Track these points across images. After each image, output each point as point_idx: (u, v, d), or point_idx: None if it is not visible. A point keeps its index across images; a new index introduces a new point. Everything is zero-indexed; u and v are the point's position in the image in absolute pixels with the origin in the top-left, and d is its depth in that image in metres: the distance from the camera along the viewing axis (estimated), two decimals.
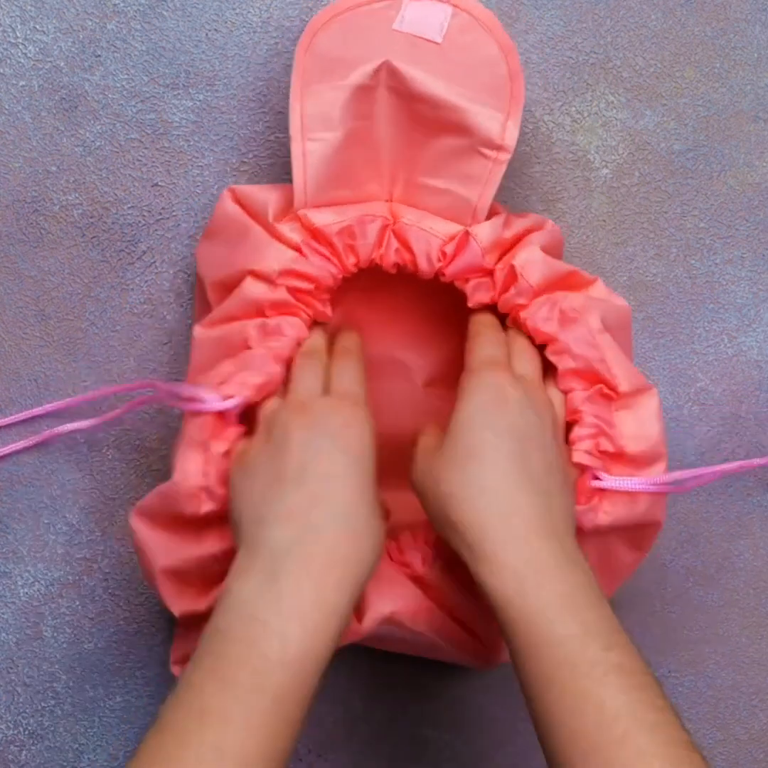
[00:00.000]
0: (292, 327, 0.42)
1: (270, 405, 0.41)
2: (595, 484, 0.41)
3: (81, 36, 0.46)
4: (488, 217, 0.43)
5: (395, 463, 0.48)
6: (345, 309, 0.48)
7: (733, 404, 0.49)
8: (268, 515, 0.37)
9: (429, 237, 0.42)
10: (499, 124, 0.41)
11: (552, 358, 0.42)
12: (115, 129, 0.46)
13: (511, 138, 0.41)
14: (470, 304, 0.43)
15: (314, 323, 0.44)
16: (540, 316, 0.42)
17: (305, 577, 0.35)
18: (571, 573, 0.36)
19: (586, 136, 0.48)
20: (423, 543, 0.43)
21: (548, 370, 0.43)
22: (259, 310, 0.42)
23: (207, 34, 0.46)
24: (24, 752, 0.49)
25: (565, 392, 0.42)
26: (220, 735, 0.33)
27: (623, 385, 0.42)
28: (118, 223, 0.47)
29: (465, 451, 0.38)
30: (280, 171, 0.47)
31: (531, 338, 0.43)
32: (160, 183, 0.47)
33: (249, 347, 0.41)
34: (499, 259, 0.43)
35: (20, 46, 0.45)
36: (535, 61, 0.47)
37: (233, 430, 0.41)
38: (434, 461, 0.40)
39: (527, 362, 0.43)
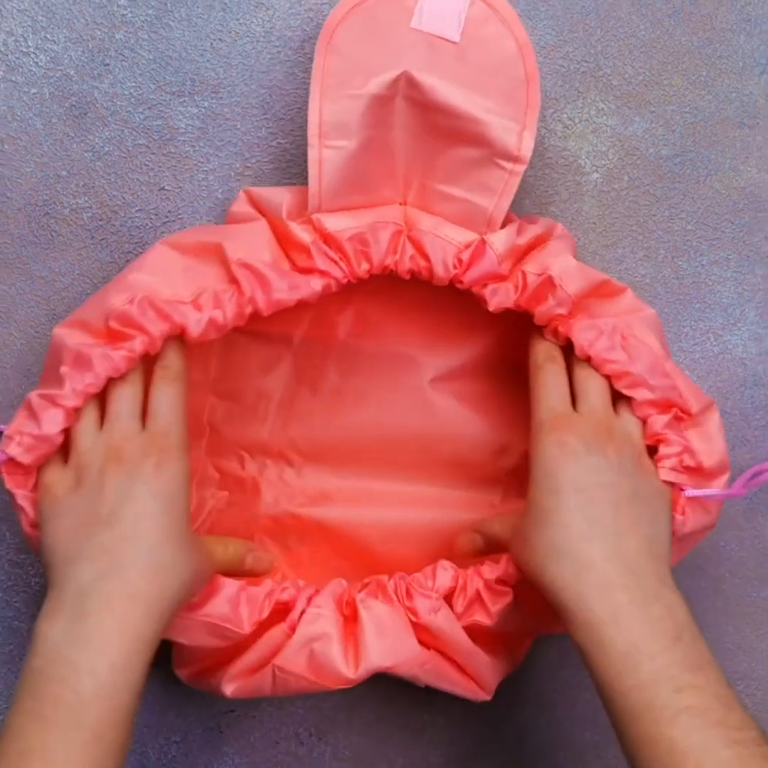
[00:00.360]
0: (104, 361, 0.40)
1: (82, 439, 0.41)
2: (690, 494, 0.43)
3: (90, 45, 0.47)
4: (501, 225, 0.43)
5: (396, 456, 0.50)
6: (356, 305, 0.49)
7: (719, 400, 0.50)
8: (78, 555, 0.38)
9: (445, 244, 0.42)
10: (515, 136, 0.42)
11: (626, 391, 0.43)
12: (123, 135, 0.48)
13: (527, 149, 0.42)
14: (491, 308, 0.44)
15: (171, 338, 0.42)
16: (602, 346, 0.43)
17: (109, 613, 0.36)
18: (647, 615, 0.38)
19: (577, 141, 0.49)
20: (432, 589, 0.44)
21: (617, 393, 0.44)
22: (106, 319, 0.41)
23: (212, 44, 0.47)
24: None
25: (643, 419, 0.43)
26: None
27: (694, 407, 0.43)
28: (126, 225, 0.48)
29: (541, 515, 0.41)
30: (282, 175, 0.48)
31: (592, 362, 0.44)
32: (166, 187, 0.48)
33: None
34: (514, 265, 0.44)
35: (32, 55, 0.47)
36: None
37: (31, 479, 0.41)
38: (520, 520, 0.42)
39: (598, 397, 0.44)
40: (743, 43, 0.49)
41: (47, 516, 0.40)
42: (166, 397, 0.42)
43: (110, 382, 0.41)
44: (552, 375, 0.44)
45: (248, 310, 0.42)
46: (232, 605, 0.42)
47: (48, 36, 0.47)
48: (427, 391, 0.50)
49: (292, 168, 0.48)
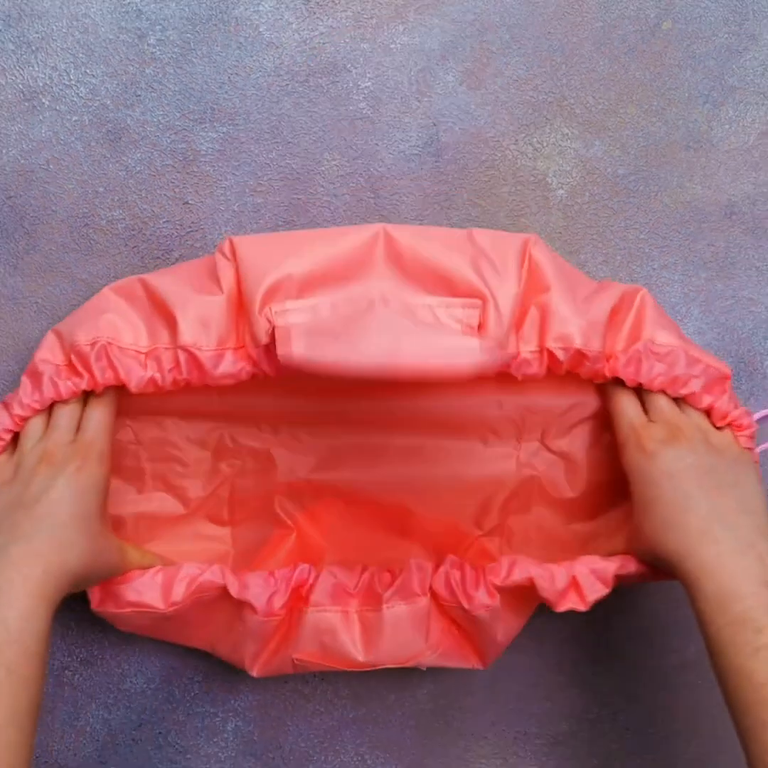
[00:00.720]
0: (51, 386, 0.47)
1: (25, 441, 0.49)
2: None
3: (124, 79, 0.54)
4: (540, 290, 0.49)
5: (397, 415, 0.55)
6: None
7: None
8: None
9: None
10: None
11: (681, 393, 0.49)
12: (153, 156, 0.54)
13: None
14: (520, 379, 0.49)
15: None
16: (644, 371, 0.49)
17: (15, 572, 0.43)
18: (738, 563, 0.44)
19: (545, 162, 0.56)
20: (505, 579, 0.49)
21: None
22: (69, 349, 0.47)
23: (229, 78, 0.54)
24: (77, 676, 0.58)
25: (706, 409, 0.50)
26: None
27: (725, 369, 0.50)
28: (155, 235, 0.55)
29: (646, 505, 0.48)
30: (289, 191, 0.54)
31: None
32: (189, 201, 0.55)
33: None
34: (607, 338, 0.49)
35: (73, 88, 0.54)
36: (503, 100, 0.55)
37: None
38: (631, 524, 0.50)
39: (662, 404, 0.51)
40: (688, 77, 0.55)
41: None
42: (96, 415, 0.49)
43: (64, 401, 0.49)
44: (623, 396, 0.52)
45: (182, 383, 0.48)
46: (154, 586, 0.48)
47: (87, 71, 0.53)
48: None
49: (298, 185, 0.55)
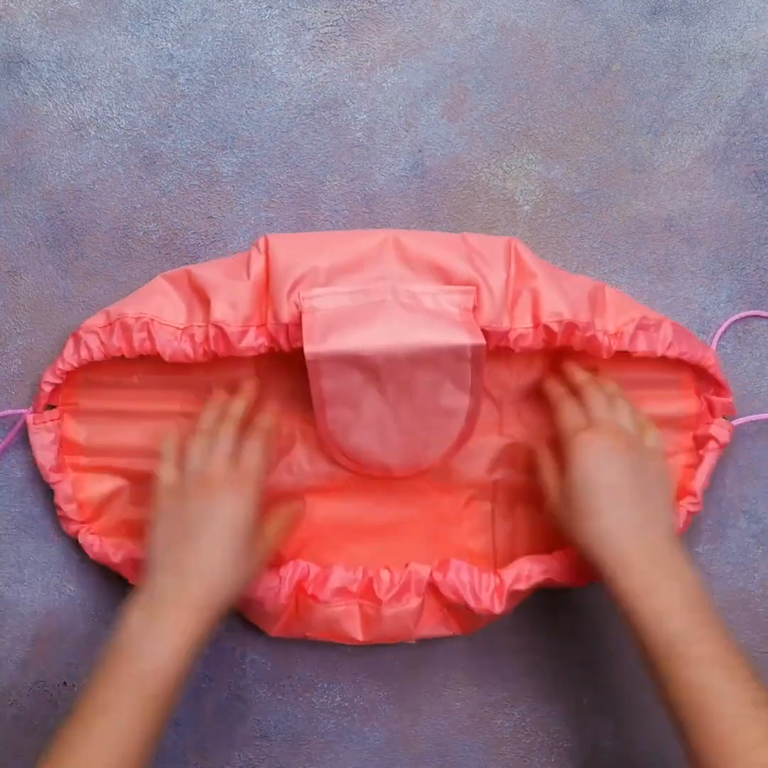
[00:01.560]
0: (82, 349, 0.57)
1: (190, 460, 0.55)
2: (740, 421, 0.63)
3: (157, 112, 0.63)
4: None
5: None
6: None
7: None
8: (162, 564, 0.52)
9: None
10: None
11: (669, 354, 0.58)
12: (182, 178, 0.63)
13: None
14: (517, 351, 0.57)
15: (264, 405, 0.59)
16: (658, 340, 0.59)
17: (174, 616, 0.50)
18: (668, 587, 0.50)
19: (513, 182, 0.64)
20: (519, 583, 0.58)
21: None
22: (116, 318, 0.57)
23: (246, 111, 0.63)
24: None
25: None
26: (108, 722, 0.48)
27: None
28: (184, 244, 0.63)
29: (583, 511, 0.53)
30: (298, 208, 0.63)
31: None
32: (213, 216, 0.63)
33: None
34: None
35: (115, 120, 0.63)
36: (478, 130, 0.63)
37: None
38: (565, 513, 0.55)
39: (625, 413, 0.57)
40: (634, 110, 0.64)
41: (157, 514, 0.54)
42: (255, 448, 0.56)
43: (222, 422, 0.57)
44: (569, 404, 0.58)
45: (211, 355, 0.56)
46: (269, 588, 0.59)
47: (127, 106, 0.63)
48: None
49: (305, 202, 0.64)
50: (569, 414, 0.58)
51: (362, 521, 0.64)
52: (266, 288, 0.56)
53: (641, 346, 0.59)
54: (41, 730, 0.65)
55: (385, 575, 0.60)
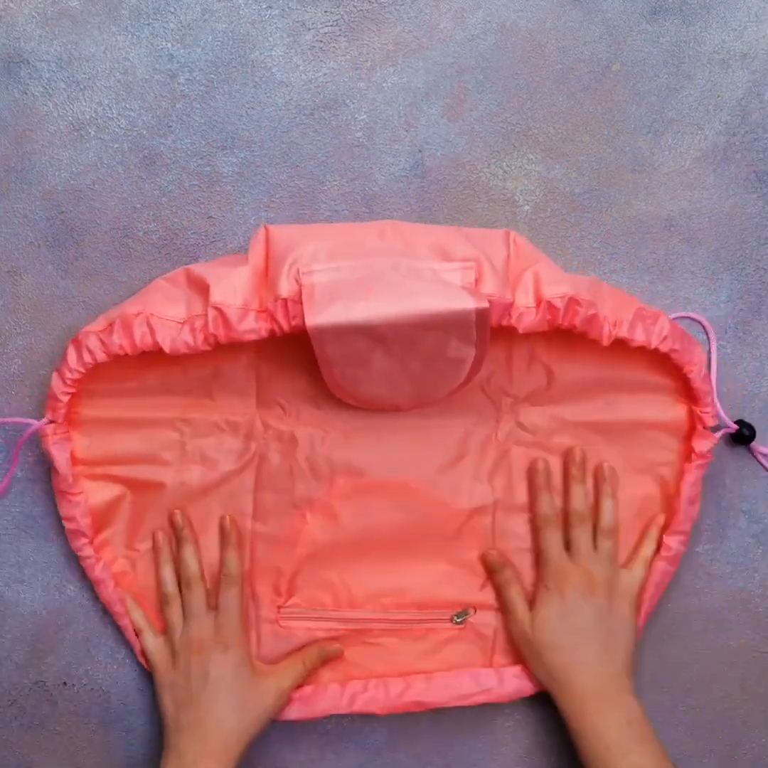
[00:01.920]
0: (85, 353, 0.56)
1: (171, 630, 0.61)
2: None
3: (157, 112, 0.63)
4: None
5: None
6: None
7: None
8: (178, 726, 0.59)
9: None
10: None
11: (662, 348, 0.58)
12: (182, 178, 0.63)
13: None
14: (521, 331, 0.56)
15: (227, 546, 0.61)
16: (652, 332, 0.58)
17: (203, 764, 0.56)
18: (616, 726, 0.57)
19: (513, 182, 0.64)
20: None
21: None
22: (116, 318, 0.56)
23: (246, 111, 0.63)
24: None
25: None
26: None
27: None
28: (184, 244, 0.63)
29: (545, 648, 0.60)
30: (297, 208, 0.63)
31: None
32: (213, 216, 0.64)
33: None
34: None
35: (115, 120, 0.63)
36: (478, 130, 0.64)
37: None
38: (528, 640, 0.61)
39: (607, 555, 0.61)
40: (634, 110, 0.64)
41: (161, 685, 0.61)
42: (228, 596, 0.61)
43: (186, 584, 0.62)
44: (550, 533, 0.62)
45: (212, 340, 0.54)
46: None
47: (127, 106, 0.63)
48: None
49: (305, 202, 0.64)
50: (552, 543, 0.62)
51: (362, 537, 0.64)
52: (266, 273, 0.56)
53: (639, 336, 0.58)
54: (41, 730, 0.65)
55: (374, 690, 0.63)
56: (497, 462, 0.64)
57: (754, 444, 0.64)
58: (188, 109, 0.63)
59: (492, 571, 0.63)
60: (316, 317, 0.52)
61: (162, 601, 0.63)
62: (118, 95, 0.62)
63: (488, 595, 0.64)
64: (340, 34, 0.63)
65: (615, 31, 0.64)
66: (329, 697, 0.62)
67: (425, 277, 0.54)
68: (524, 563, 0.64)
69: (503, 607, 0.63)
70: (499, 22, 0.64)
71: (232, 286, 0.55)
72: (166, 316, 0.56)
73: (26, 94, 0.62)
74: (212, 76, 0.63)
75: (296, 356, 0.61)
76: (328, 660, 0.63)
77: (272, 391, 0.63)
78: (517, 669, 0.63)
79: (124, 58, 0.62)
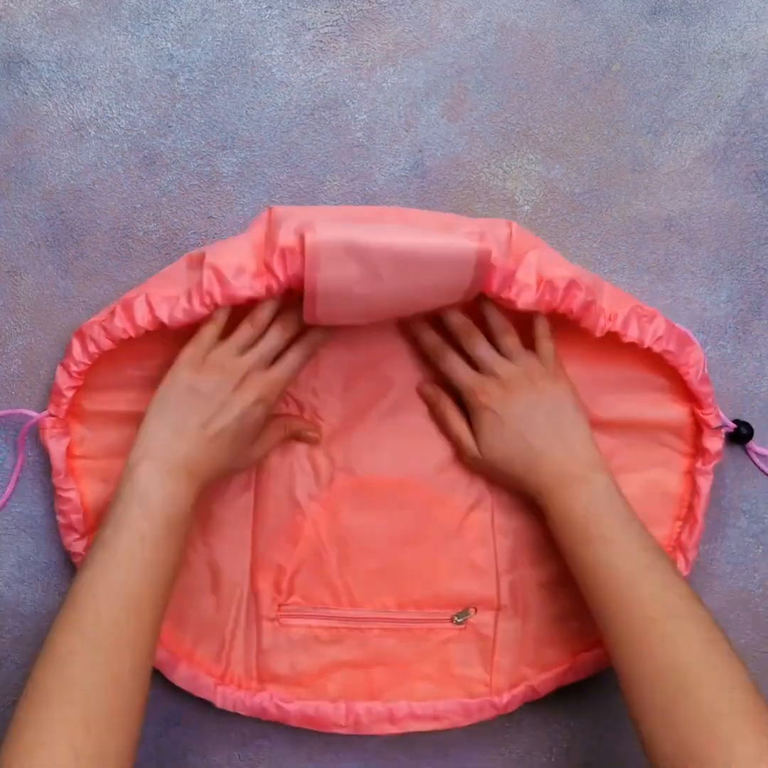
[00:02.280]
0: (90, 343, 0.57)
1: (228, 348, 0.56)
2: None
3: (158, 112, 0.63)
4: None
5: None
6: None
7: None
8: (162, 419, 0.55)
9: None
10: None
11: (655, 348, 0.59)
12: (182, 178, 0.63)
13: None
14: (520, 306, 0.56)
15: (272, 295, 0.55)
16: (646, 331, 0.59)
17: (173, 476, 0.53)
18: (572, 492, 0.56)
19: (513, 182, 0.64)
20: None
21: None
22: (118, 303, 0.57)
23: (247, 111, 0.63)
24: None
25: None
26: (116, 567, 0.50)
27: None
28: (184, 244, 0.63)
29: (502, 460, 0.60)
30: None
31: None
32: (213, 216, 0.64)
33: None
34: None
35: (115, 120, 0.63)
36: (478, 130, 0.64)
37: None
38: (484, 459, 0.60)
39: (522, 355, 0.59)
40: (634, 110, 0.64)
41: (183, 365, 0.56)
42: (296, 356, 0.58)
43: (277, 325, 0.57)
44: (452, 358, 0.60)
45: (208, 300, 0.54)
46: None
47: (127, 106, 0.63)
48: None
49: (305, 202, 0.64)
50: (454, 365, 0.61)
51: (362, 535, 0.64)
52: (263, 244, 0.55)
53: (633, 333, 0.59)
54: None
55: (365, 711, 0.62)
56: None
57: (750, 443, 0.64)
58: (188, 109, 0.63)
59: (430, 405, 0.63)
60: (316, 236, 0.51)
61: (249, 317, 0.57)
62: (118, 95, 0.62)
63: (488, 595, 0.64)
64: (340, 34, 0.63)
65: (615, 31, 0.64)
66: (333, 723, 0.62)
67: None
68: (525, 560, 0.64)
69: (452, 442, 0.63)
70: (499, 22, 0.64)
71: (229, 251, 0.55)
72: (166, 294, 0.56)
73: (26, 94, 0.62)
74: (212, 76, 0.63)
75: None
76: (301, 438, 0.63)
77: None
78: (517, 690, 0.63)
79: (124, 58, 0.62)
